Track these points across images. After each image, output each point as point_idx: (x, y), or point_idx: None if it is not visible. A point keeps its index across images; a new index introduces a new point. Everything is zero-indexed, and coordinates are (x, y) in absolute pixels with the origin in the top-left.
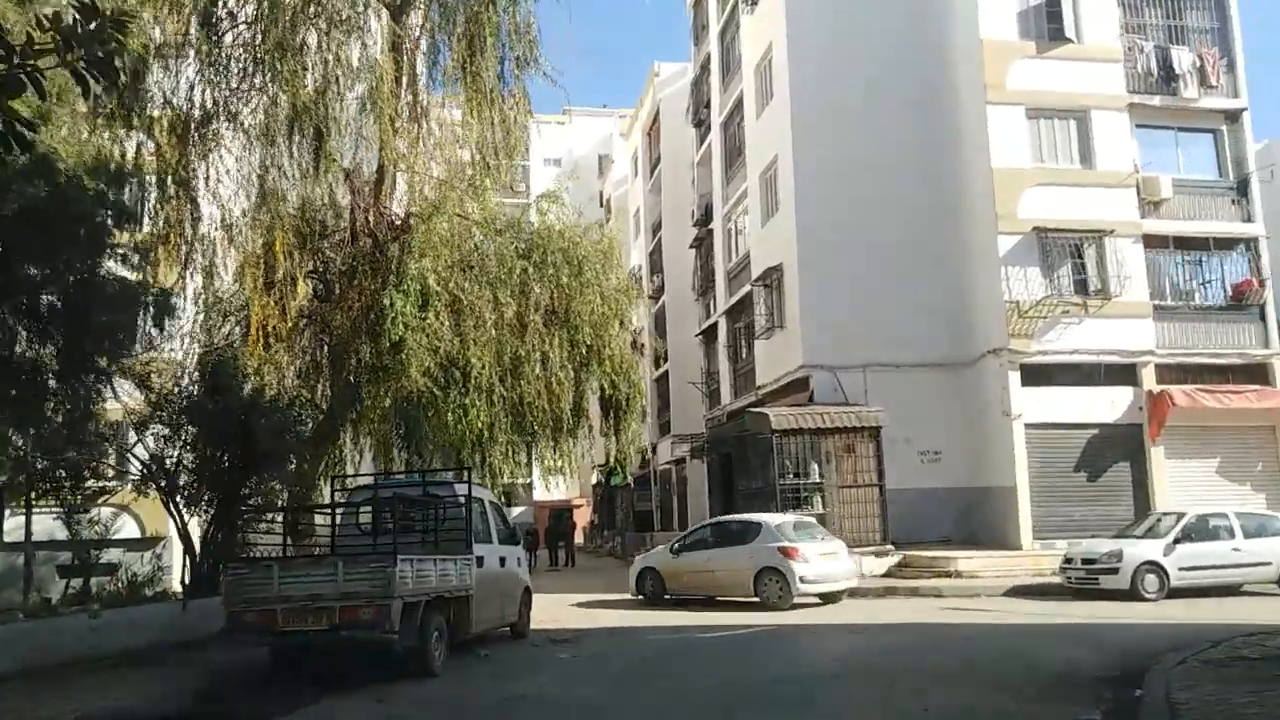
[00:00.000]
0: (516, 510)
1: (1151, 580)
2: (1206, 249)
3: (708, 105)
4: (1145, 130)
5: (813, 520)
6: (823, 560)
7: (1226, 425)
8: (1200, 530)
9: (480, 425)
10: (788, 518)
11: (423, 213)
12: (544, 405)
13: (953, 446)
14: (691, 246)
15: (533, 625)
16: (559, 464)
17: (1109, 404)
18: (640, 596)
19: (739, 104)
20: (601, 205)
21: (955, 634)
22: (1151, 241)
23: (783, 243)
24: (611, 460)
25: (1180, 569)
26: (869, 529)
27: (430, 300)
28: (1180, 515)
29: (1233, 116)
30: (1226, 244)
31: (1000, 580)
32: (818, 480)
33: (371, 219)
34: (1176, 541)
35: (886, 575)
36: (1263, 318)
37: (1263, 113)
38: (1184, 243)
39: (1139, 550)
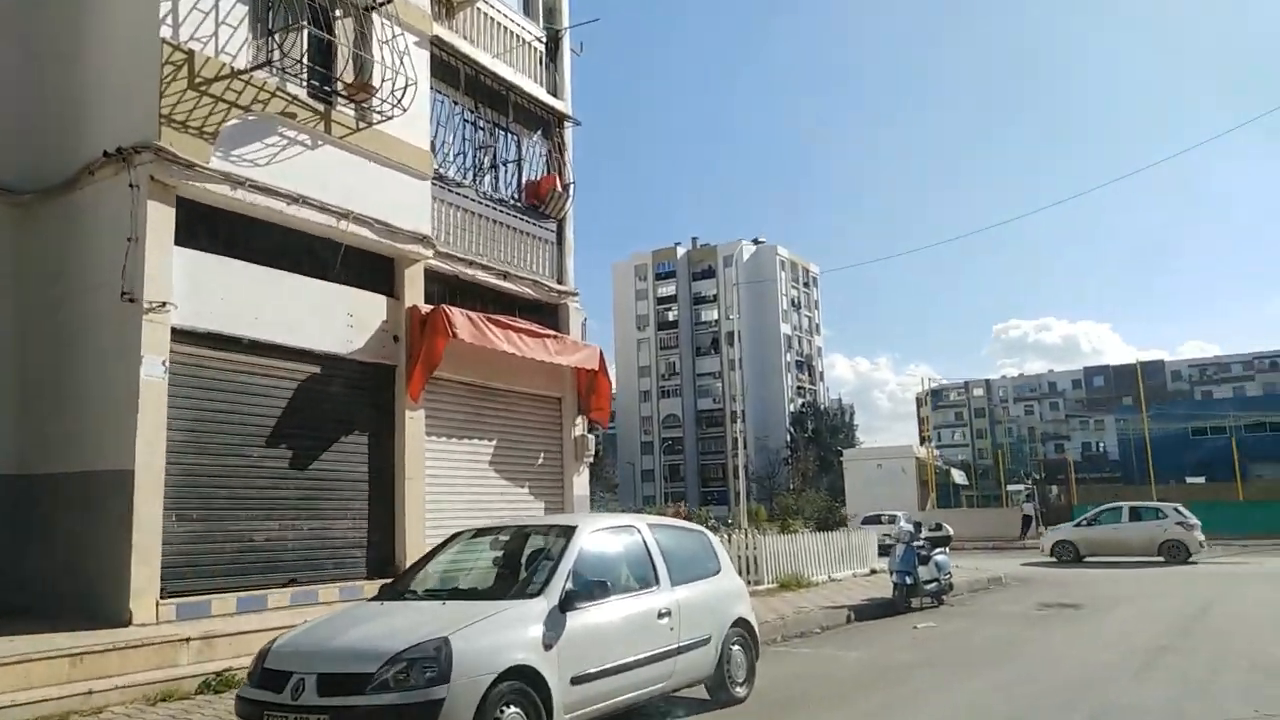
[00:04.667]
0: None
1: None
2: (505, 113)
3: None
4: None
5: None
6: None
7: (506, 390)
8: (604, 569)
9: None
10: None
11: None
12: None
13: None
14: None
15: None
16: None
17: (345, 318)
18: None
19: None
20: None
21: None
22: (439, 68)
23: None
24: None
25: (574, 678)
26: None
27: None
28: (558, 530)
29: None
30: (528, 119)
31: None
32: None
33: None
34: (565, 604)
35: None
36: (560, 239)
37: None
38: (479, 90)
39: (495, 642)
